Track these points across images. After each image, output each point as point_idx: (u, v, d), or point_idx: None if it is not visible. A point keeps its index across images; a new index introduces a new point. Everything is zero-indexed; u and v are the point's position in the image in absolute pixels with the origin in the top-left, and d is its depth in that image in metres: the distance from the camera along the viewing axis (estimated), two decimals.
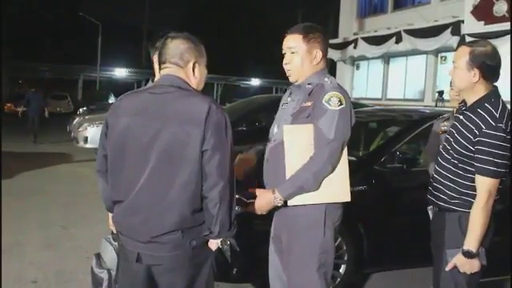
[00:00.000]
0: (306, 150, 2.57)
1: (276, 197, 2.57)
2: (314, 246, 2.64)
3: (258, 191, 2.65)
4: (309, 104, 2.62)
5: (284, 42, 2.74)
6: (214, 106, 2.11)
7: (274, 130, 2.79)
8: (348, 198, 2.64)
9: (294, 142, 2.59)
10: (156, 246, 2.13)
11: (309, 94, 2.65)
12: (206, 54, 2.33)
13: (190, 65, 2.24)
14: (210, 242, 2.21)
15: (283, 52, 2.75)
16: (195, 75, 2.27)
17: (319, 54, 2.70)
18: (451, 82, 2.77)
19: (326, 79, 2.68)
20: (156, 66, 2.88)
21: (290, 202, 2.60)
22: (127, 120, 2.17)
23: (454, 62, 2.62)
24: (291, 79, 2.75)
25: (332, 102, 2.56)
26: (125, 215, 2.20)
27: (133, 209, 2.16)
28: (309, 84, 2.68)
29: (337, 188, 2.61)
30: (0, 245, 4.91)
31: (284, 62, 2.74)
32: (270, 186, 2.68)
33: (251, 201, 2.65)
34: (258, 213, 2.66)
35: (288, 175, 2.59)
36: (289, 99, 2.81)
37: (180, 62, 2.23)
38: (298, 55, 2.68)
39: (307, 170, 2.55)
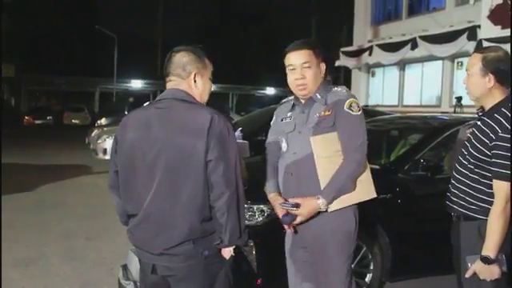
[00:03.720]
0: (334, 157, 2.66)
1: (321, 202, 2.63)
2: (344, 253, 2.72)
3: (301, 200, 2.67)
4: (328, 113, 2.70)
5: (293, 59, 2.76)
6: (217, 116, 2.16)
7: (283, 144, 2.82)
8: (374, 194, 2.78)
9: (324, 152, 2.66)
10: (169, 258, 2.18)
11: (325, 104, 2.72)
12: (210, 67, 2.38)
13: (192, 76, 2.30)
14: (222, 250, 2.24)
15: (291, 68, 2.77)
16: (197, 86, 2.32)
17: (323, 66, 2.82)
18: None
19: (334, 88, 2.78)
20: None
21: (330, 209, 2.67)
22: (133, 136, 2.23)
23: (467, 70, 2.63)
24: (305, 93, 2.77)
25: (353, 108, 2.70)
26: (137, 229, 2.25)
27: (144, 222, 2.21)
28: (319, 95, 2.75)
29: (366, 187, 2.74)
30: (0, 250, 4.98)
31: (295, 77, 2.75)
32: (300, 197, 2.69)
33: (294, 210, 2.67)
34: (302, 219, 2.68)
35: (323, 184, 2.65)
36: (289, 114, 2.85)
37: (182, 73, 2.29)
38: (311, 69, 2.75)
39: (344, 173, 2.65)
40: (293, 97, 2.91)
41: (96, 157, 12.51)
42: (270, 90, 46.95)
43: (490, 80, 2.53)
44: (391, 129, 5.82)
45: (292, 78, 2.77)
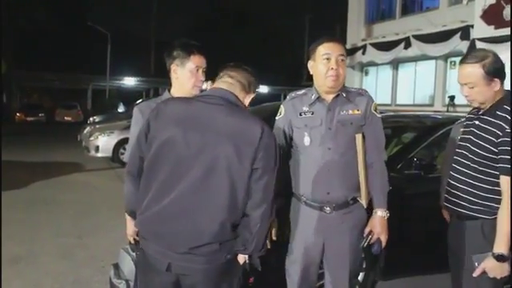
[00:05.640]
0: (363, 155, 2.76)
1: (382, 212, 2.81)
2: (360, 241, 2.83)
3: (369, 226, 2.82)
4: (358, 112, 2.77)
5: (331, 48, 2.74)
6: (267, 128, 2.18)
7: (305, 138, 2.78)
8: None
9: (361, 150, 2.75)
10: (192, 258, 2.10)
11: (352, 103, 2.77)
12: None
13: (249, 97, 2.36)
14: (238, 256, 2.22)
15: (326, 57, 2.73)
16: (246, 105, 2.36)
17: None
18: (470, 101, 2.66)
19: (356, 89, 2.89)
20: (173, 75, 2.87)
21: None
22: (175, 127, 2.14)
23: (466, 83, 2.56)
24: (334, 84, 2.74)
25: (377, 110, 2.85)
26: (158, 222, 2.12)
27: (170, 216, 2.10)
28: (344, 93, 2.79)
29: None
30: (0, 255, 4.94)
31: (331, 66, 2.72)
32: (335, 193, 2.76)
33: (371, 237, 2.81)
34: (385, 237, 2.84)
35: (361, 181, 2.76)
36: (307, 108, 2.81)
37: (246, 85, 2.33)
38: (345, 64, 2.78)
39: (383, 176, 2.85)
40: (306, 91, 2.88)
41: (88, 154, 12.45)
42: (264, 89, 46.92)
43: (496, 84, 2.53)
44: (384, 127, 5.79)
45: (325, 68, 2.72)
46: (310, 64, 2.82)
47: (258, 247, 2.18)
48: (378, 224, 2.80)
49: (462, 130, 2.75)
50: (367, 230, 2.79)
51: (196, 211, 2.08)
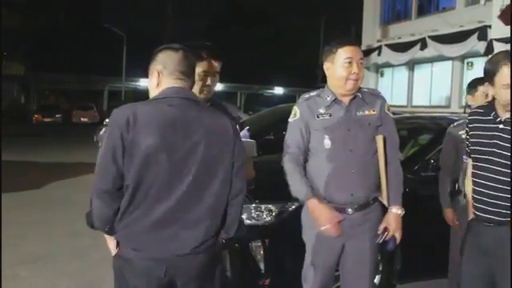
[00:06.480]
0: (384, 156, 2.80)
1: (397, 209, 2.84)
2: (377, 238, 2.83)
3: (384, 222, 2.83)
4: (374, 112, 2.81)
5: (353, 52, 2.74)
6: (233, 122, 2.30)
7: (325, 141, 2.76)
8: None
9: (382, 151, 2.78)
10: (191, 257, 2.13)
11: (367, 104, 2.80)
12: None
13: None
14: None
15: (348, 61, 2.72)
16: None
17: None
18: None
19: (369, 89, 2.93)
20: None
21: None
22: (153, 136, 2.07)
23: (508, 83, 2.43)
24: (354, 87, 2.75)
25: (390, 110, 2.89)
26: (155, 231, 2.08)
27: (168, 224, 2.09)
28: (360, 94, 2.81)
29: None
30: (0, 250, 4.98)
31: (353, 70, 2.72)
32: (358, 193, 2.77)
33: (387, 234, 2.83)
34: (399, 234, 2.86)
35: (383, 181, 2.81)
36: (323, 110, 2.79)
37: (193, 74, 2.29)
38: (363, 66, 2.80)
39: (399, 175, 2.89)
40: (319, 92, 2.86)
41: None
42: (279, 90, 46.90)
43: None
44: (400, 129, 5.72)
45: (347, 72, 2.71)
46: (327, 66, 2.80)
47: (240, 228, 2.34)
48: (393, 221, 2.82)
49: (471, 133, 2.64)
50: (382, 227, 2.81)
51: (193, 213, 2.12)
